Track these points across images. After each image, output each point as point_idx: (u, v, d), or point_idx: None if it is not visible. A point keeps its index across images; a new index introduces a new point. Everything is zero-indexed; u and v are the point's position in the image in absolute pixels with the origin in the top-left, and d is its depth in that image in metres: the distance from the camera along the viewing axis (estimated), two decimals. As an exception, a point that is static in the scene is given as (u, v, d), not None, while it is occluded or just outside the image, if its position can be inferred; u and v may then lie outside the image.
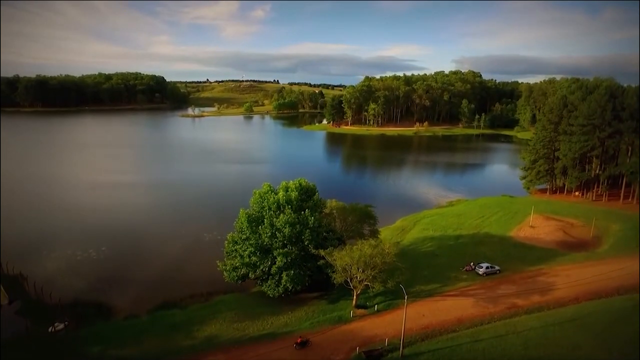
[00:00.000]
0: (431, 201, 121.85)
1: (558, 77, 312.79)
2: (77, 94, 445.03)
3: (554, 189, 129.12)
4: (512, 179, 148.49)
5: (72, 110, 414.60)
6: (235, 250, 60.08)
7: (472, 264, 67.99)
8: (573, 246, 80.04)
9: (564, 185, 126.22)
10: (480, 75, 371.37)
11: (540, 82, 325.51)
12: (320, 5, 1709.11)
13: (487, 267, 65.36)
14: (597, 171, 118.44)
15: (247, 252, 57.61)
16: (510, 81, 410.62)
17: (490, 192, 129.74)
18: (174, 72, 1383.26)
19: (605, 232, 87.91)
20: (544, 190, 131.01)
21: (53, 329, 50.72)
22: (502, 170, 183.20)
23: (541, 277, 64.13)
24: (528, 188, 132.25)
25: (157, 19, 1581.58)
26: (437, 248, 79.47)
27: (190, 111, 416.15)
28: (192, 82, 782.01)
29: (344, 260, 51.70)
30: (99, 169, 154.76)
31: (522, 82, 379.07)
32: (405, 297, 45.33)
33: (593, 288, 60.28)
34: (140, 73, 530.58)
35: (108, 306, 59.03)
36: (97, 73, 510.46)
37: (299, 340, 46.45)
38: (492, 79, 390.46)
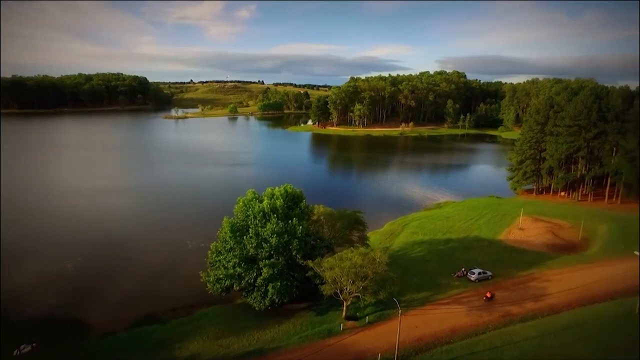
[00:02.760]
0: (419, 203, 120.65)
1: (541, 78, 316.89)
2: (56, 95, 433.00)
3: (540, 189, 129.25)
4: (498, 180, 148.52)
5: (51, 112, 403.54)
6: (219, 260, 57.29)
7: (463, 269, 66.44)
8: (562, 249, 79.42)
9: (550, 185, 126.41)
10: (465, 75, 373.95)
11: (524, 82, 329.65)
12: (305, 5, 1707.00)
13: (479, 273, 63.90)
14: (583, 171, 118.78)
15: (231, 263, 54.93)
16: (494, 81, 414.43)
17: (477, 193, 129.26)
18: (158, 72, 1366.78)
19: (593, 234, 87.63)
20: (530, 191, 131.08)
21: (18, 352, 47.04)
22: (488, 170, 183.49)
23: (533, 282, 62.89)
24: (515, 189, 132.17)
25: (142, 19, 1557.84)
26: (427, 253, 77.86)
27: (173, 112, 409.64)
28: (176, 83, 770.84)
29: (334, 271, 49.39)
30: (76, 173, 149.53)
31: (505, 83, 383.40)
32: (400, 312, 43.30)
33: (585, 294, 59.24)
34: (122, 74, 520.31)
35: (83, 323, 55.73)
36: (77, 74, 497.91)
37: None
38: (476, 80, 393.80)
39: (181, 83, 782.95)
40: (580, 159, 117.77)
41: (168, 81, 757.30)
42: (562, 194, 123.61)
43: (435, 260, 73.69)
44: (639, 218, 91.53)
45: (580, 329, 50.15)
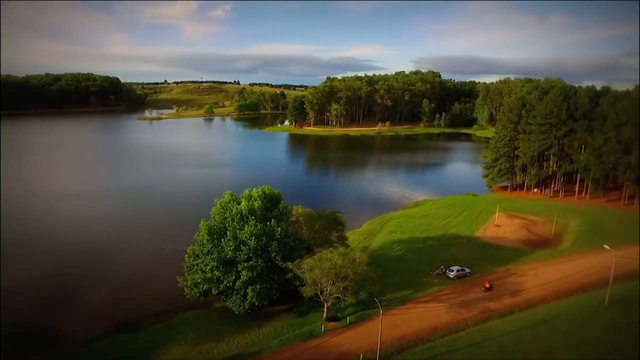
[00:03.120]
0: (397, 202, 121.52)
1: (512, 78, 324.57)
2: (21, 96, 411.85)
3: (514, 186, 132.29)
4: (473, 177, 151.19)
5: (16, 114, 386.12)
6: (197, 264, 56.10)
7: (442, 267, 67.08)
8: (537, 244, 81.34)
9: (524, 182, 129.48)
10: (440, 75, 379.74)
11: (496, 82, 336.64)
12: (281, 5, 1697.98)
13: (457, 270, 64.64)
14: (554, 168, 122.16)
15: (209, 267, 53.82)
16: (467, 81, 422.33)
17: (454, 191, 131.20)
18: (130, 73, 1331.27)
19: (565, 229, 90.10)
20: (505, 188, 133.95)
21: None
22: (463, 168, 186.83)
23: (510, 278, 64.12)
24: (490, 186, 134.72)
25: (113, 17, 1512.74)
26: (406, 252, 78.34)
27: (147, 113, 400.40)
28: (150, 84, 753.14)
29: (314, 273, 48.93)
30: (46, 177, 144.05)
31: (479, 82, 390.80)
32: (381, 312, 43.17)
33: (559, 287, 60.76)
34: (92, 74, 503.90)
35: (53, 333, 53.43)
36: (43, 73, 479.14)
37: None
38: (450, 79, 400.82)
39: (155, 83, 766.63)
40: (551, 156, 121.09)
41: (141, 82, 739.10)
42: (535, 190, 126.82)
43: (414, 258, 74.22)
44: (607, 213, 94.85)
45: (555, 322, 51.31)
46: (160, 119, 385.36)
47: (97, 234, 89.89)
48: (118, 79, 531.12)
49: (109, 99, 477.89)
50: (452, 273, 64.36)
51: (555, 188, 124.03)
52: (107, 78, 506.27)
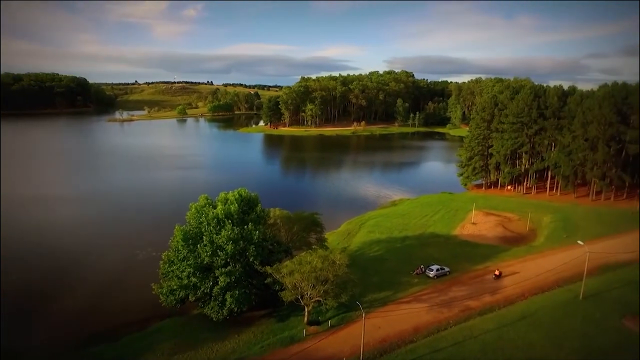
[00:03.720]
0: (374, 202, 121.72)
1: (483, 77, 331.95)
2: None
3: (488, 184, 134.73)
4: (449, 176, 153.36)
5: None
6: (172, 271, 54.09)
7: (421, 266, 67.12)
8: (513, 241, 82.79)
9: (498, 180, 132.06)
10: (413, 75, 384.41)
11: (468, 81, 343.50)
12: (254, 5, 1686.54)
13: (437, 270, 64.80)
14: (526, 166, 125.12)
15: (185, 274, 51.96)
16: (440, 80, 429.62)
17: (430, 189, 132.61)
18: (99, 73, 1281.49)
19: (538, 225, 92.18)
20: (479, 186, 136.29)
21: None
22: (438, 167, 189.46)
23: (488, 275, 64.71)
24: (465, 184, 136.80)
25: (79, 15, 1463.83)
26: (385, 252, 78.19)
27: (118, 115, 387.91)
28: (120, 84, 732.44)
29: (294, 277, 47.86)
30: (9, 182, 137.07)
31: (451, 82, 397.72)
32: (364, 316, 42.52)
33: (536, 283, 61.76)
34: (58, 74, 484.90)
35: (18, 350, 50.24)
36: (2, 73, 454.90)
37: None
38: (423, 79, 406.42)
39: (125, 84, 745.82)
40: (524, 154, 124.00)
41: (111, 82, 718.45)
42: (509, 187, 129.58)
43: (393, 258, 74.08)
44: (577, 208, 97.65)
45: (533, 317, 52.01)
46: (131, 120, 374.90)
47: (67, 241, 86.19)
48: (85, 79, 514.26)
49: (76, 100, 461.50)
50: (431, 272, 64.46)
51: (528, 185, 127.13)
52: (73, 78, 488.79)
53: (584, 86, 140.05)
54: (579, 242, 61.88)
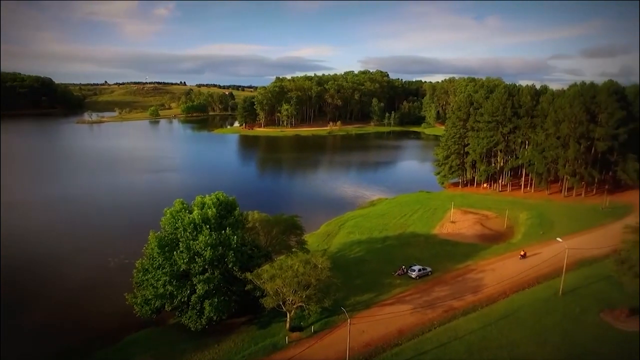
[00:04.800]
0: (352, 202, 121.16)
1: (457, 77, 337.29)
2: None
3: (465, 182, 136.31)
4: (425, 175, 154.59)
5: None
6: (147, 279, 51.65)
7: (403, 267, 66.66)
8: (492, 238, 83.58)
9: (474, 178, 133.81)
10: (388, 75, 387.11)
11: (442, 81, 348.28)
12: (227, 5, 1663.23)
13: (419, 270, 64.44)
14: (501, 164, 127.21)
15: (160, 282, 49.65)
16: (414, 80, 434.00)
17: (407, 188, 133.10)
18: (65, 73, 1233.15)
19: (515, 222, 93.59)
20: (456, 184, 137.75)
21: None
22: (414, 166, 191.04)
23: (470, 274, 64.92)
24: (442, 183, 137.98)
25: (42, 12, 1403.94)
26: (365, 253, 77.51)
27: (87, 117, 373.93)
28: (88, 85, 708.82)
29: (275, 282, 46.31)
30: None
31: (425, 82, 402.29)
32: (349, 321, 41.40)
33: (517, 280, 62.18)
34: (19, 74, 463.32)
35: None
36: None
37: None
38: (398, 79, 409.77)
39: (94, 85, 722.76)
40: (499, 152, 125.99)
41: (78, 82, 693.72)
42: (485, 185, 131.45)
43: (374, 259, 73.44)
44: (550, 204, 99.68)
45: (516, 315, 52.35)
46: (101, 122, 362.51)
47: (34, 249, 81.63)
48: (50, 79, 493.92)
49: (41, 101, 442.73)
50: (413, 273, 64.06)
51: (503, 183, 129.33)
52: (37, 78, 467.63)
53: (550, 86, 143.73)
54: (558, 239, 62.75)
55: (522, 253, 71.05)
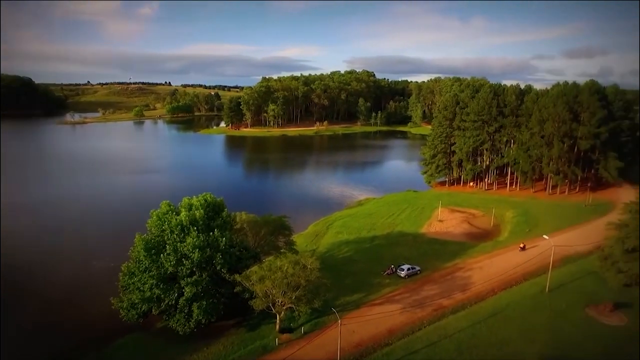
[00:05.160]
0: (340, 202, 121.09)
1: (442, 77, 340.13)
2: None
3: (451, 181, 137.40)
4: (412, 174, 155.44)
5: None
6: (133, 283, 50.68)
7: (392, 266, 66.74)
8: (479, 237, 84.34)
9: (460, 177, 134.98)
10: (374, 74, 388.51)
11: (427, 80, 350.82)
12: (212, 5, 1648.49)
13: (408, 269, 64.59)
14: (487, 163, 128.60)
15: (147, 285, 48.78)
16: (400, 80, 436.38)
17: (395, 188, 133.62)
18: (46, 73, 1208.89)
19: (502, 220, 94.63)
20: (443, 183, 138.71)
21: None
22: (401, 165, 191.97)
23: (458, 272, 65.30)
24: (429, 182, 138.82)
25: (21, 10, 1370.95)
26: (354, 253, 77.45)
27: (69, 117, 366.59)
28: (70, 85, 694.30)
29: (265, 284, 45.85)
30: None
31: (411, 81, 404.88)
32: (340, 322, 41.18)
33: (504, 277, 62.81)
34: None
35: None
36: None
37: None
38: (384, 78, 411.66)
39: (76, 85, 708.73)
40: (485, 151, 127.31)
41: (60, 82, 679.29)
42: (471, 184, 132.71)
43: (363, 259, 73.43)
44: (535, 202, 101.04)
45: (504, 313, 52.80)
46: (84, 123, 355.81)
47: (18, 251, 79.50)
48: (30, 79, 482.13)
49: (20, 101, 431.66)
50: (403, 272, 64.18)
51: (489, 181, 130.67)
52: (16, 78, 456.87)
53: (534, 85, 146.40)
54: (545, 236, 63.53)
55: (521, 245, 74.03)
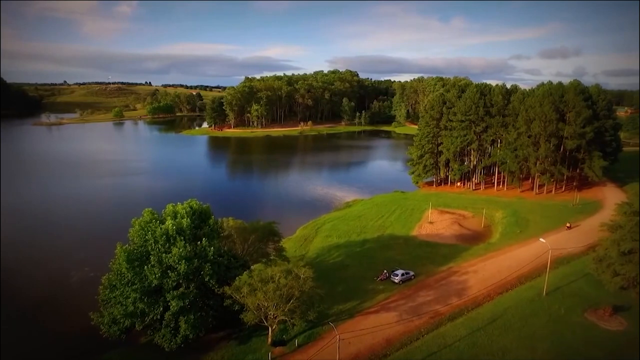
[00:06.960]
0: (328, 204, 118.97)
1: (425, 77, 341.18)
2: None
3: (439, 181, 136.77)
4: (398, 174, 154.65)
5: None
6: (115, 297, 47.49)
7: (385, 272, 64.93)
8: (471, 239, 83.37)
9: (447, 177, 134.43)
10: (357, 74, 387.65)
11: (411, 80, 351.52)
12: (192, 4, 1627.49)
13: (402, 274, 62.81)
14: (474, 162, 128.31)
15: (130, 299, 45.66)
16: (383, 79, 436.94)
17: (381, 188, 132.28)
18: (19, 72, 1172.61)
19: (492, 221, 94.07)
20: (430, 183, 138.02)
21: None
22: (387, 165, 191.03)
23: (453, 276, 63.85)
24: (417, 182, 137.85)
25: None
26: (345, 257, 75.40)
27: (44, 118, 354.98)
28: (45, 85, 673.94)
29: (256, 297, 43.32)
30: None
31: (394, 81, 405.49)
32: (338, 337, 39.05)
33: (500, 282, 61.67)
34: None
35: None
36: None
37: None
38: (368, 78, 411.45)
39: (52, 85, 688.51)
40: (472, 151, 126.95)
41: (34, 82, 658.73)
42: (459, 184, 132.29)
43: (355, 264, 71.41)
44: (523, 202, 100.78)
45: (503, 319, 51.36)
46: (61, 124, 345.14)
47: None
48: (1, 78, 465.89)
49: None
50: (396, 278, 62.38)
51: (476, 181, 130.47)
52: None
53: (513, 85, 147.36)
54: (541, 239, 62.63)
55: (568, 225, 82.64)
